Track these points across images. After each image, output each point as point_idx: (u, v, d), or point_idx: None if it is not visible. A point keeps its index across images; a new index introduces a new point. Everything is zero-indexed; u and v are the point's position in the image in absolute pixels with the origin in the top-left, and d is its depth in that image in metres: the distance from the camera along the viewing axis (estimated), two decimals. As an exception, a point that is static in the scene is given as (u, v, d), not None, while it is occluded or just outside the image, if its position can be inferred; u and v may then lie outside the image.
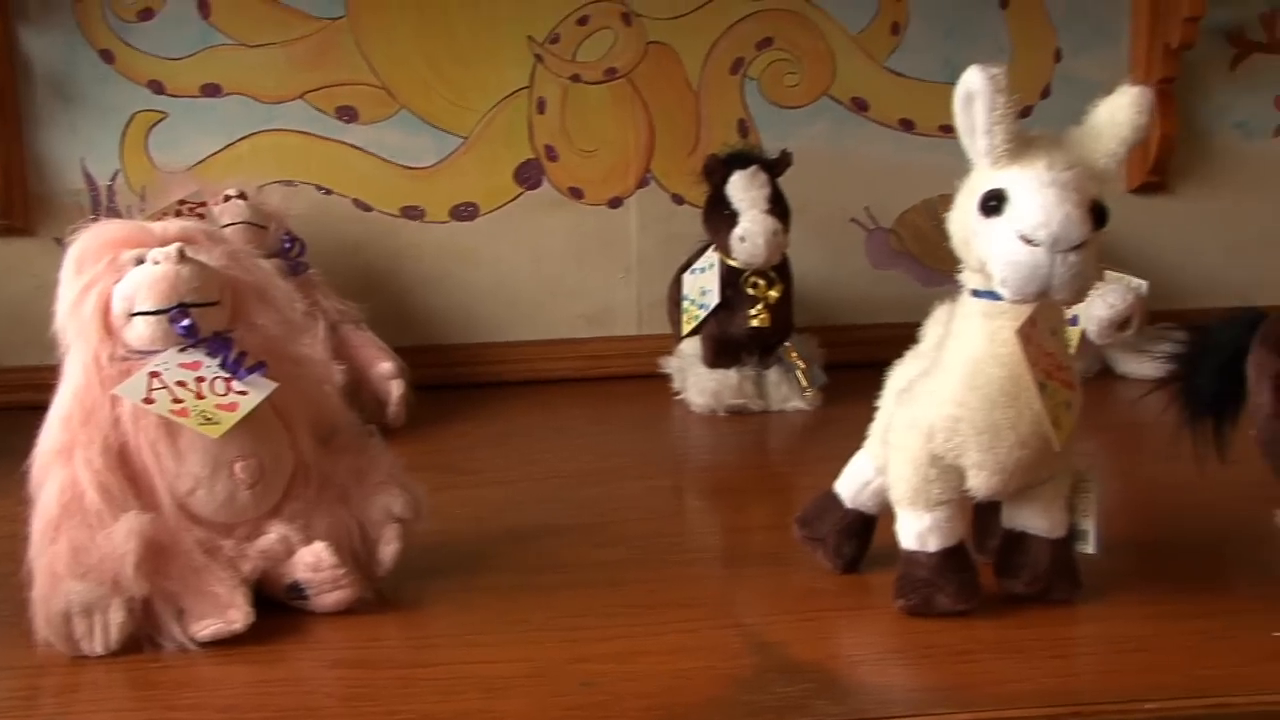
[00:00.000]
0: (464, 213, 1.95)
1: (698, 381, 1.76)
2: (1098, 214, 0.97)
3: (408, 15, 1.90)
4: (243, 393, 1.09)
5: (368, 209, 1.93)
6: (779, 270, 1.74)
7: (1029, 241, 0.95)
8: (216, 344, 1.10)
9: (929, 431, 1.05)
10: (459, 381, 1.91)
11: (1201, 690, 0.95)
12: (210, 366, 1.09)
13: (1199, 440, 1.32)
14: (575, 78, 1.94)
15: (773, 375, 1.76)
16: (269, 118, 1.90)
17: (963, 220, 1.01)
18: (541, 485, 1.49)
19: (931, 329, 1.13)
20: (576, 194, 1.96)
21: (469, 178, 1.94)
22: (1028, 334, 0.99)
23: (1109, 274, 1.85)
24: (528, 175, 1.95)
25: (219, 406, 1.08)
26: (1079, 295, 0.99)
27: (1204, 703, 0.94)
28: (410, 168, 1.93)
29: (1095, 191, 0.98)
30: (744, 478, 1.57)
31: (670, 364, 1.83)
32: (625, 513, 1.38)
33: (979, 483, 1.05)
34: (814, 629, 1.08)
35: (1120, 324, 1.80)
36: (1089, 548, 1.11)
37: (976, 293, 1.03)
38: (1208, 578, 1.16)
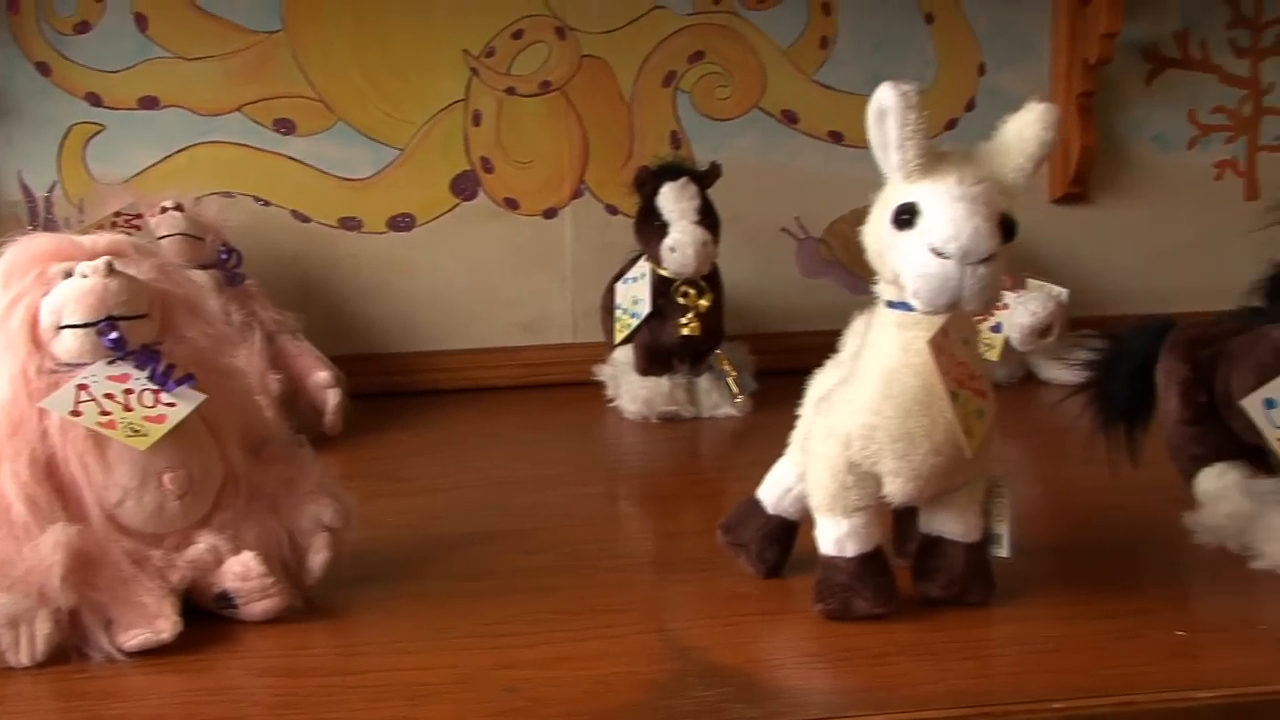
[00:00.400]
0: (401, 223, 1.94)
1: (630, 389, 1.76)
2: (1006, 227, 0.98)
3: (344, 29, 1.89)
4: (171, 405, 1.08)
5: (306, 220, 1.92)
6: (709, 279, 1.74)
7: (939, 254, 0.96)
8: (145, 356, 1.09)
9: (846, 439, 1.05)
10: (396, 390, 1.90)
11: (1107, 689, 0.96)
12: (139, 379, 1.08)
13: (1113, 444, 1.34)
14: (510, 91, 1.93)
15: (704, 382, 1.76)
16: (207, 130, 1.89)
17: (876, 233, 1.02)
18: (474, 492, 1.48)
19: (850, 339, 1.13)
20: (512, 205, 1.96)
21: (406, 189, 1.94)
22: (940, 344, 1.00)
23: (1031, 282, 1.87)
24: (464, 186, 1.94)
25: (147, 419, 1.07)
26: (988, 306, 1.00)
27: (1109, 701, 0.95)
28: (348, 179, 1.92)
29: (1004, 205, 0.99)
30: (675, 484, 1.57)
31: (604, 372, 1.83)
32: (556, 519, 1.38)
33: (895, 489, 1.06)
34: (735, 633, 1.08)
35: (1042, 331, 1.82)
36: (1003, 551, 1.12)
37: (891, 304, 1.03)
38: (1118, 578, 1.17)
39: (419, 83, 1.92)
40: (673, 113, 1.97)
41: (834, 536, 1.08)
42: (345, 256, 1.93)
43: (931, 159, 0.99)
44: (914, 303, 0.99)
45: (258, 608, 1.10)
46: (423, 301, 1.95)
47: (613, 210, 1.96)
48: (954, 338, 1.02)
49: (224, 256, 1.72)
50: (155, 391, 1.08)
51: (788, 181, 1.99)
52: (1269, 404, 1.16)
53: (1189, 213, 2.07)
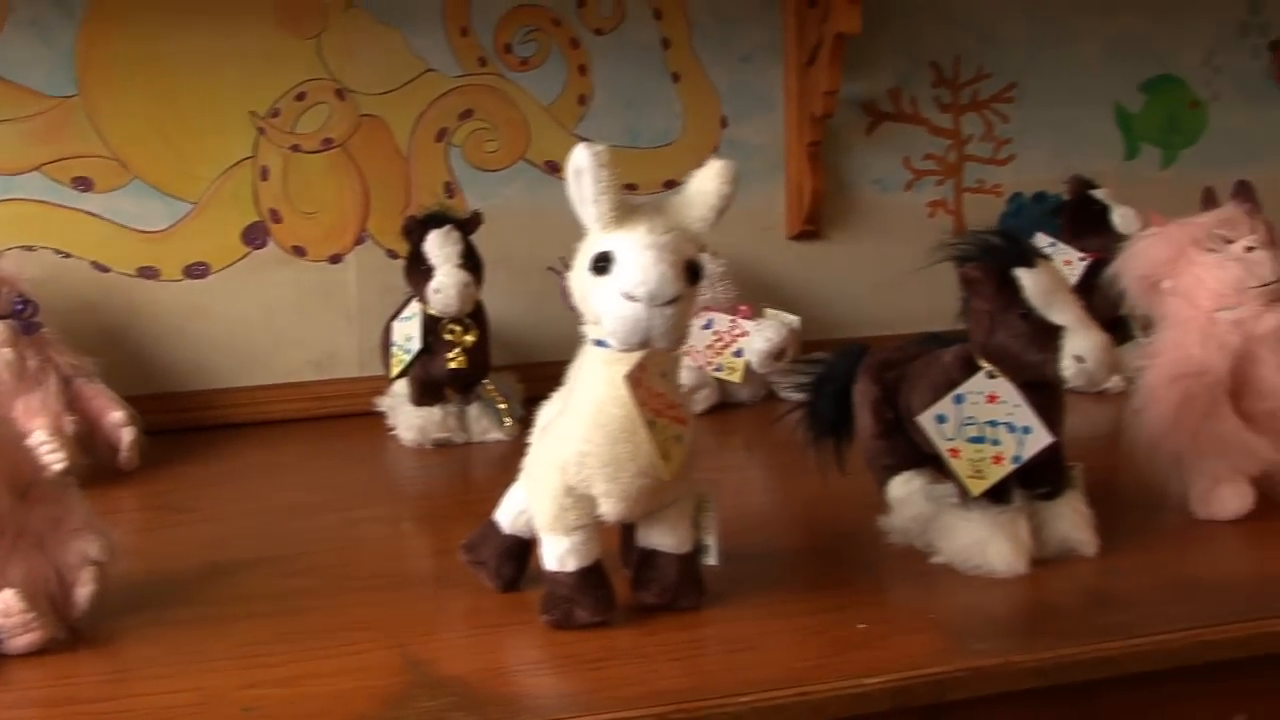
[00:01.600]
0: (196, 271, 1.88)
1: (406, 418, 1.73)
2: (692, 271, 0.99)
3: (137, 92, 1.83)
4: (-70, 455, 1.04)
5: (105, 270, 1.85)
6: (474, 317, 1.73)
7: (630, 298, 0.97)
8: (-96, 410, 1.05)
9: (562, 465, 1.05)
10: (193, 425, 1.83)
11: (793, 681, 0.98)
12: (-102, 432, 1.04)
13: (823, 457, 1.37)
14: (295, 148, 1.89)
15: (474, 410, 1.75)
16: (7, 188, 1.81)
17: (579, 279, 1.03)
18: (253, 520, 1.44)
19: (573, 372, 1.13)
20: (300, 252, 1.92)
21: (200, 239, 1.87)
22: (637, 378, 1.00)
23: (768, 311, 1.90)
24: (254, 236, 1.90)
25: (-95, 469, 1.02)
26: (678, 343, 1.00)
27: (791, 692, 0.96)
28: (145, 231, 1.86)
29: (691, 252, 1.00)
30: (444, 506, 1.54)
31: (383, 403, 1.81)
32: (322, 543, 1.34)
33: (609, 509, 1.06)
34: (469, 645, 1.07)
35: (777, 355, 1.85)
36: (712, 560, 1.13)
37: (597, 342, 1.04)
38: (819, 578, 1.19)
39: (209, 141, 1.86)
40: (446, 165, 1.95)
41: (556, 553, 1.08)
42: (144, 303, 1.87)
43: (624, 211, 1.00)
44: (611, 342, 0.99)
45: (21, 642, 1.06)
46: (218, 343, 1.90)
47: (393, 255, 1.92)
48: (651, 371, 1.02)
49: (19, 307, 1.65)
50: (-85, 443, 1.04)
51: (552, 225, 1.94)
52: (940, 419, 1.19)
53: (907, 247, 2.07)
